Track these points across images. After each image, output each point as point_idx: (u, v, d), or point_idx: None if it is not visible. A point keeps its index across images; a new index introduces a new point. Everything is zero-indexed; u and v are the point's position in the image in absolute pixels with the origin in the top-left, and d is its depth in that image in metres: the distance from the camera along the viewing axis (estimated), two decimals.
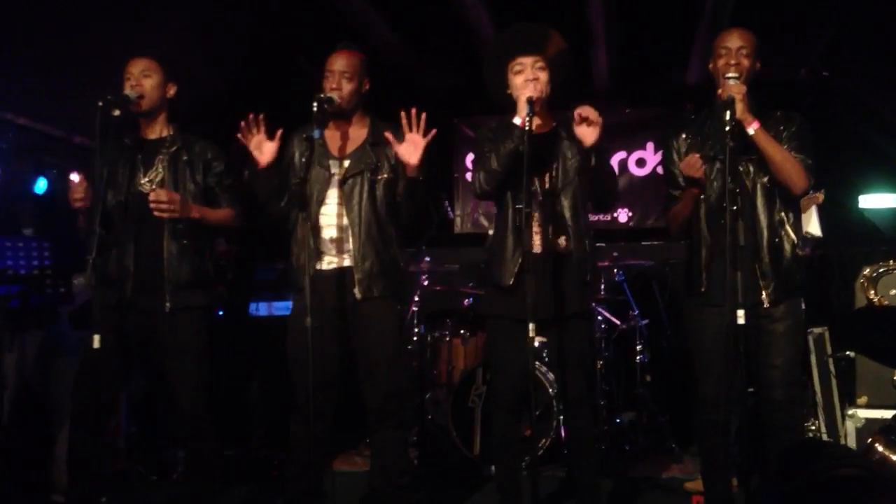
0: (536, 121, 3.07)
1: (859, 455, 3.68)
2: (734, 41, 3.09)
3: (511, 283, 3.14)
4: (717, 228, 3.10)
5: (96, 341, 2.97)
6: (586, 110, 2.97)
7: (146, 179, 3.32)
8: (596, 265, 3.35)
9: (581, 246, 3.17)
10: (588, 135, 2.98)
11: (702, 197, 3.15)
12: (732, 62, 3.04)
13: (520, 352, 3.04)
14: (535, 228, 3.15)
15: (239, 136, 3.15)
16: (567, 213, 3.17)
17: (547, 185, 3.19)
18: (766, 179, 3.07)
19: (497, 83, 3.22)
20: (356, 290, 3.23)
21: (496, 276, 3.21)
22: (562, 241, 3.17)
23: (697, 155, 3.05)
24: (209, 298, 3.44)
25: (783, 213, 3.09)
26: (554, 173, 3.19)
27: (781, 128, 3.09)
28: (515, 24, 3.23)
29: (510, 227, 3.16)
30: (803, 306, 3.88)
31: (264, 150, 3.15)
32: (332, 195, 3.28)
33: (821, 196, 4.25)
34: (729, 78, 2.98)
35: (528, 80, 3.07)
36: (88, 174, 3.16)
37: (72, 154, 4.87)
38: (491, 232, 3.37)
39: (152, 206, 3.17)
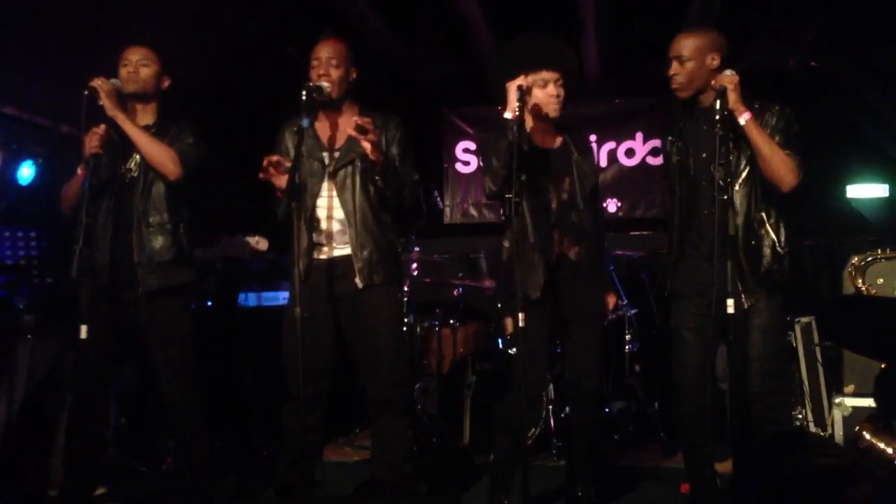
0: (540, 136, 3.19)
1: (838, 445, 3.72)
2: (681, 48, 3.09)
3: (538, 294, 3.17)
4: (687, 223, 3.14)
5: (83, 332, 2.95)
6: None
7: (127, 167, 3.30)
8: (607, 269, 3.43)
9: (595, 253, 3.29)
10: None
11: (679, 198, 3.19)
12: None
13: (539, 351, 3.19)
14: (555, 238, 3.22)
15: (261, 175, 3.10)
16: (586, 225, 3.24)
17: (564, 198, 3.24)
18: (744, 176, 3.06)
19: (505, 91, 3.13)
20: (357, 280, 3.23)
21: (522, 287, 3.10)
22: (576, 251, 3.23)
23: None
24: (188, 277, 3.36)
25: (763, 213, 3.07)
26: (568, 187, 3.24)
27: (760, 122, 3.03)
28: (533, 34, 3.22)
29: (532, 237, 3.17)
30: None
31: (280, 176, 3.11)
32: (326, 187, 3.28)
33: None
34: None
35: (550, 95, 3.12)
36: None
37: (58, 143, 4.83)
38: (506, 243, 3.27)
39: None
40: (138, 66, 3.29)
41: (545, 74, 3.13)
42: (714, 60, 3.06)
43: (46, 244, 3.80)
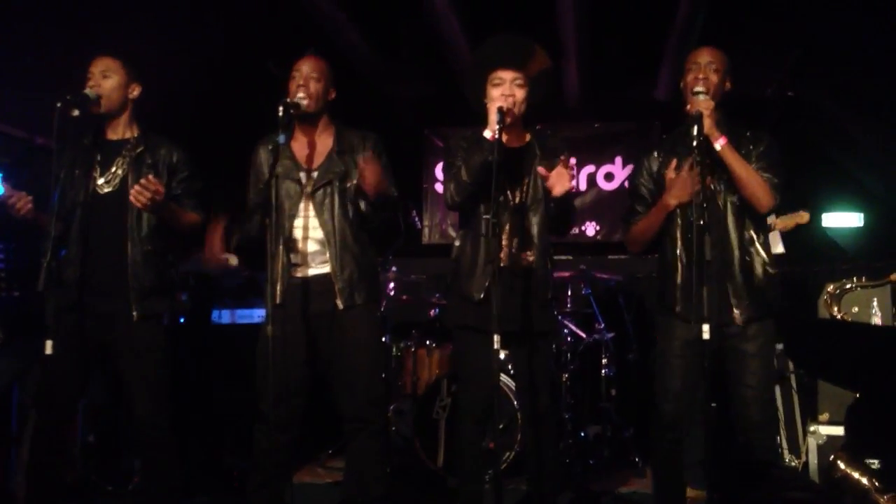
0: (507, 135, 3.09)
1: (808, 478, 3.71)
2: (704, 57, 3.11)
3: (482, 296, 3.13)
4: (690, 246, 3.11)
5: (48, 347, 2.89)
6: (563, 172, 2.99)
7: (102, 180, 3.25)
8: (554, 282, 3.35)
9: (544, 263, 3.21)
10: (558, 186, 3.00)
11: (678, 215, 3.15)
12: (701, 76, 3.05)
13: (487, 363, 3.03)
14: (504, 241, 3.14)
15: None
16: (534, 230, 3.18)
17: (517, 200, 3.19)
18: (735, 197, 3.09)
19: (476, 92, 3.19)
20: (338, 301, 3.20)
21: (465, 288, 3.19)
22: (528, 255, 3.17)
23: (690, 173, 3.04)
24: (172, 305, 3.39)
25: (752, 232, 3.11)
26: (525, 189, 3.19)
27: (751, 147, 3.12)
28: (502, 35, 3.19)
29: (481, 238, 3.14)
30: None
31: None
32: (303, 207, 3.24)
33: (806, 216, 4.38)
34: (697, 93, 3.00)
35: (504, 94, 3.05)
36: (37, 178, 3.09)
37: (34, 155, 4.77)
38: (457, 243, 3.33)
39: (134, 192, 3.04)
40: (100, 78, 3.23)
41: (500, 73, 3.10)
42: (728, 85, 3.13)
43: (15, 257, 3.72)
